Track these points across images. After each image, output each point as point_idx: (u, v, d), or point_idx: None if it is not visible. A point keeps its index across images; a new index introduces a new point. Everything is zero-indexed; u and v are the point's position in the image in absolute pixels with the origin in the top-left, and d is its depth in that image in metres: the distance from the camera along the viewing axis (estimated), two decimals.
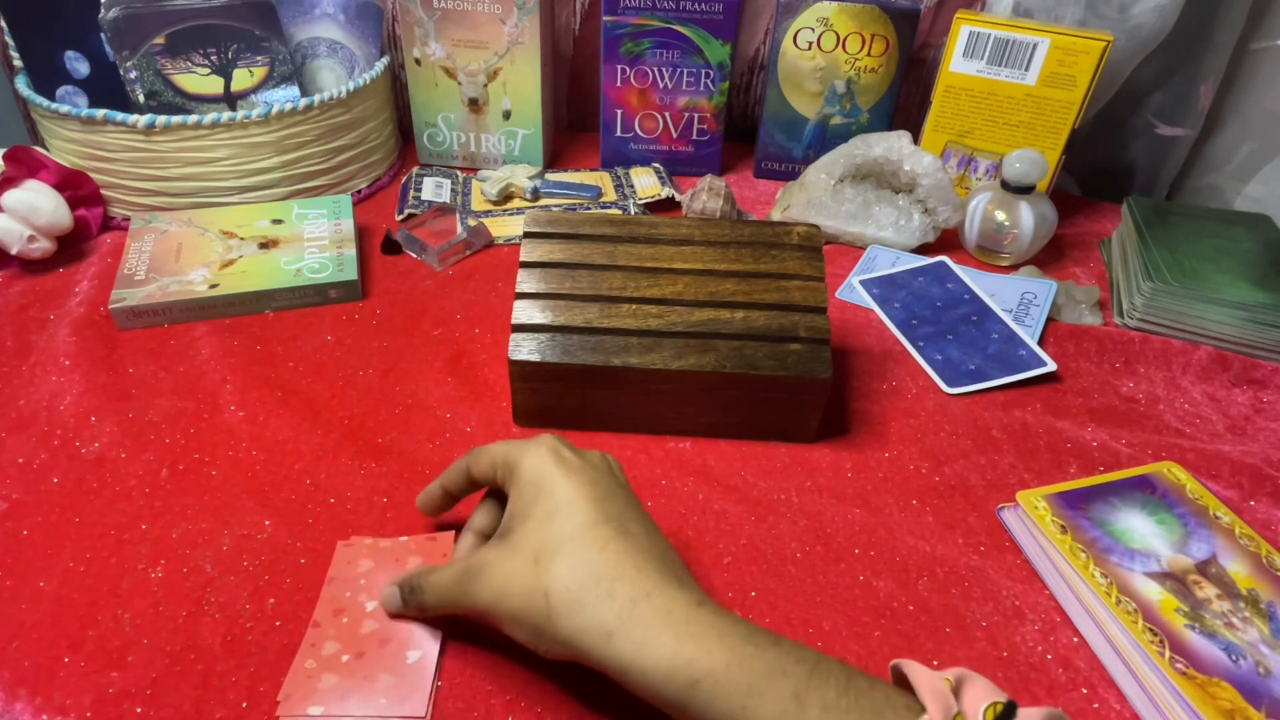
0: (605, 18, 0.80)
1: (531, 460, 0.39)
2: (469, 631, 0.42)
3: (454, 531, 0.47)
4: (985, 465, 0.54)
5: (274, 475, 0.51)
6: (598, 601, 0.34)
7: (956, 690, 0.31)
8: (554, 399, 0.53)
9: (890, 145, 0.76)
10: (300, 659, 0.41)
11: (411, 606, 0.41)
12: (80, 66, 0.74)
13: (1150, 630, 0.41)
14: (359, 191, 0.82)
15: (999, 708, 0.30)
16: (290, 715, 0.38)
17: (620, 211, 0.81)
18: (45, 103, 0.70)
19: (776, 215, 0.81)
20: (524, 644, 0.37)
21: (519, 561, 0.36)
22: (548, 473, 0.38)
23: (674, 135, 0.88)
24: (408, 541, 0.47)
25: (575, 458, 0.39)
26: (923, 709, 0.30)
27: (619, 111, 0.87)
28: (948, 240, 0.79)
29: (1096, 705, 0.41)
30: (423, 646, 0.41)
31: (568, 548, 0.36)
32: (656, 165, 0.89)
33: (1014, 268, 0.76)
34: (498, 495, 0.44)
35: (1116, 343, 0.65)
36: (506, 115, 0.86)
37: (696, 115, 0.86)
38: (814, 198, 0.78)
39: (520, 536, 0.37)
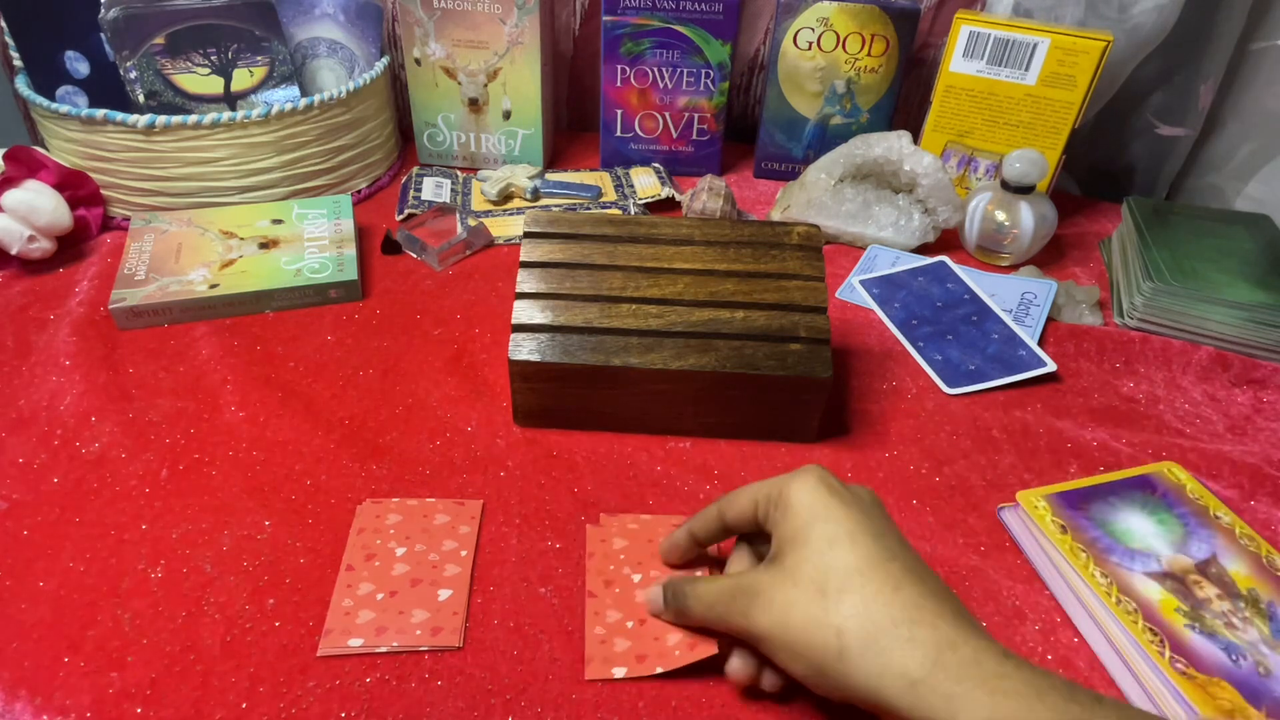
0: (605, 18, 0.80)
1: (802, 487, 0.37)
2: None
3: (482, 502, 0.49)
4: (985, 465, 0.54)
5: (274, 475, 0.51)
6: (898, 645, 0.32)
7: None
8: (554, 399, 0.53)
9: (890, 145, 0.76)
10: (337, 600, 0.43)
11: (671, 610, 0.40)
12: (80, 66, 0.74)
13: (1150, 630, 0.41)
14: (359, 191, 0.82)
15: None
16: (332, 648, 0.41)
17: (620, 211, 0.81)
18: (45, 103, 0.70)
19: (776, 215, 0.81)
20: (798, 678, 0.35)
21: (801, 591, 0.34)
22: (823, 500, 0.36)
23: (674, 135, 0.88)
24: (435, 502, 0.49)
25: (845, 490, 0.38)
26: None
27: (619, 111, 0.87)
28: (948, 240, 0.79)
29: None
30: (453, 586, 0.44)
31: (856, 582, 0.34)
32: (656, 165, 0.89)
33: (1014, 268, 0.76)
34: (750, 541, 0.42)
35: (1116, 343, 0.65)
36: (506, 115, 0.86)
37: (696, 115, 0.86)
38: (814, 198, 0.78)
39: (798, 563, 0.35)
